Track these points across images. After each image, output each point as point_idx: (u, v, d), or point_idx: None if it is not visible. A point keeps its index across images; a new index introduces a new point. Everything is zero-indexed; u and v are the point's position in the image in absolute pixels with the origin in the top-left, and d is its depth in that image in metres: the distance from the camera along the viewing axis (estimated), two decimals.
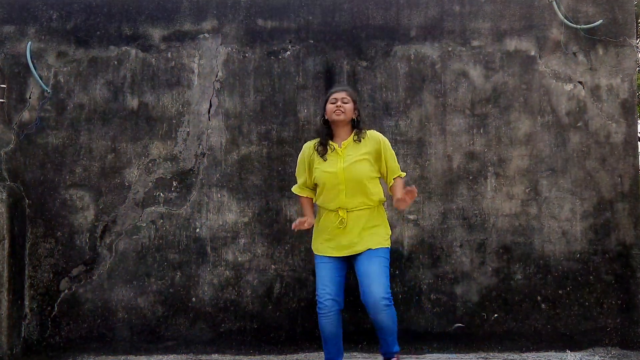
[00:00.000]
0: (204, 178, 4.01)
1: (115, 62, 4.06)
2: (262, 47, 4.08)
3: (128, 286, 3.96)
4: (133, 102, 4.05)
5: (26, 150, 4.00)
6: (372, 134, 3.30)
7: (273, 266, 3.98)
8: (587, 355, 3.84)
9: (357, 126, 3.29)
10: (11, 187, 3.91)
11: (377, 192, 3.26)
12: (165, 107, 4.04)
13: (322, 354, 3.87)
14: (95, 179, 4.00)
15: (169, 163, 4.02)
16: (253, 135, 4.02)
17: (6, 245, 3.72)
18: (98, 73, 4.06)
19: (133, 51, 4.07)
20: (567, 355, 3.85)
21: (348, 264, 3.31)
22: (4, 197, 3.74)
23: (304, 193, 3.39)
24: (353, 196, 3.20)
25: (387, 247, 3.25)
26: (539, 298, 3.97)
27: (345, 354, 3.88)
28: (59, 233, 3.97)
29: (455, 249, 3.99)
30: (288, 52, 4.08)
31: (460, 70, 4.07)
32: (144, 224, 3.99)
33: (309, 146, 3.36)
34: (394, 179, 3.30)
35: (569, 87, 4.06)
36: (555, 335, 3.95)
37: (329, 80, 4.05)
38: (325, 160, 3.24)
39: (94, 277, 3.96)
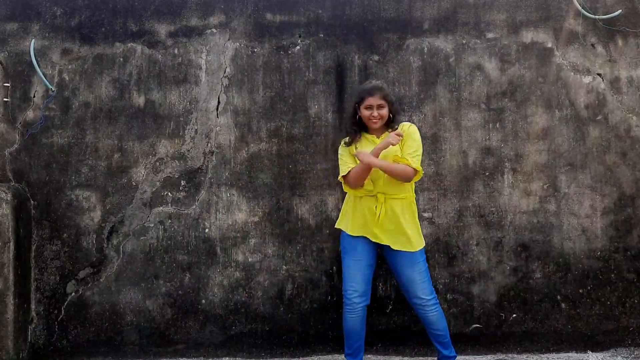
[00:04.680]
0: (212, 177, 3.91)
1: (121, 59, 3.97)
2: (271, 42, 3.98)
3: (136, 288, 3.87)
4: (139, 100, 3.96)
5: (31, 150, 3.91)
6: (403, 127, 3.30)
7: (284, 267, 3.89)
8: (609, 356, 3.74)
9: (391, 123, 3.32)
10: (16, 188, 3.82)
11: (411, 185, 3.29)
12: (172, 105, 3.95)
13: (335, 356, 3.80)
14: (101, 179, 3.91)
15: (176, 162, 3.93)
16: (262, 132, 3.93)
17: (11, 247, 3.64)
18: (103, 70, 3.97)
19: (139, 48, 3.98)
20: (588, 356, 3.75)
21: (378, 254, 3.32)
22: (8, 199, 3.65)
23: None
24: (390, 184, 3.21)
25: (424, 247, 3.30)
26: (558, 297, 3.86)
27: None
28: (65, 235, 3.89)
29: (472, 248, 3.89)
30: (298, 47, 3.98)
31: (475, 64, 3.96)
32: (152, 225, 3.90)
33: (345, 140, 3.38)
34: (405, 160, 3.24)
35: (587, 79, 3.94)
36: (575, 335, 3.84)
37: (340, 75, 3.95)
38: (361, 146, 3.28)
39: (101, 280, 3.87)
